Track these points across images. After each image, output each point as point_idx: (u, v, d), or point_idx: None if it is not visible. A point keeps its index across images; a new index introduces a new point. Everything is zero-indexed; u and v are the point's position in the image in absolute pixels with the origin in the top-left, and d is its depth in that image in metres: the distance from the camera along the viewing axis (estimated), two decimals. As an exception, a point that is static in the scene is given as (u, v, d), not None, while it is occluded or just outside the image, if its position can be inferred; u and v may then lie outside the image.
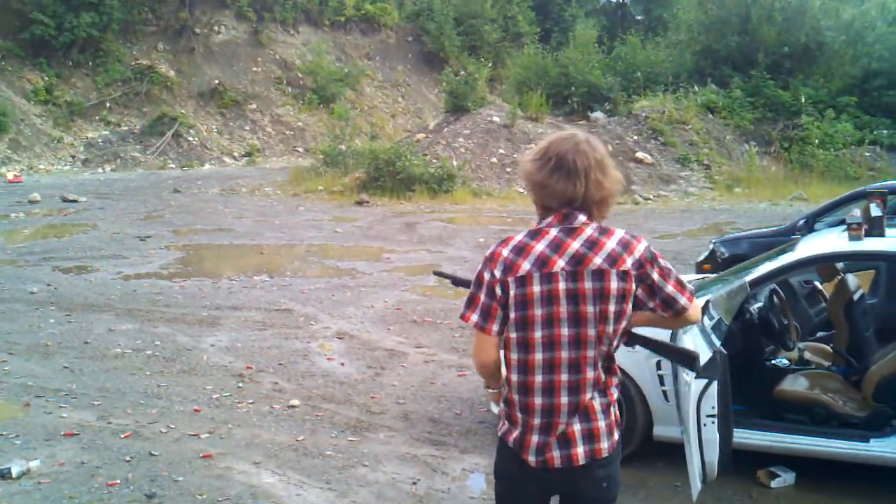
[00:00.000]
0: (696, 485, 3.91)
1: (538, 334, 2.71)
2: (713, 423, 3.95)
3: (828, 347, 6.20)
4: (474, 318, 2.78)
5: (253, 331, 8.64)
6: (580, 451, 2.75)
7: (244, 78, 35.99)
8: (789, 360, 5.97)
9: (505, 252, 2.75)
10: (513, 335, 2.74)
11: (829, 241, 5.63)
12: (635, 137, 24.08)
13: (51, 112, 30.26)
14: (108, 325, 8.76)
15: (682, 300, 2.77)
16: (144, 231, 15.58)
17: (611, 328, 2.71)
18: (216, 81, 34.66)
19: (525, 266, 2.69)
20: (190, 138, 31.51)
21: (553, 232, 2.73)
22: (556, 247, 2.70)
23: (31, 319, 8.94)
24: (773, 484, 5.03)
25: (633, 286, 2.70)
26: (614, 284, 2.67)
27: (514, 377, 2.79)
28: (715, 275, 6.89)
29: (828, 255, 5.52)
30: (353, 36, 41.74)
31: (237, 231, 15.95)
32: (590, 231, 2.72)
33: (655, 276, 2.73)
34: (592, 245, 2.69)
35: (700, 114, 25.17)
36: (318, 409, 6.41)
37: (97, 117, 31.37)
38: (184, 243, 14.56)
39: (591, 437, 2.76)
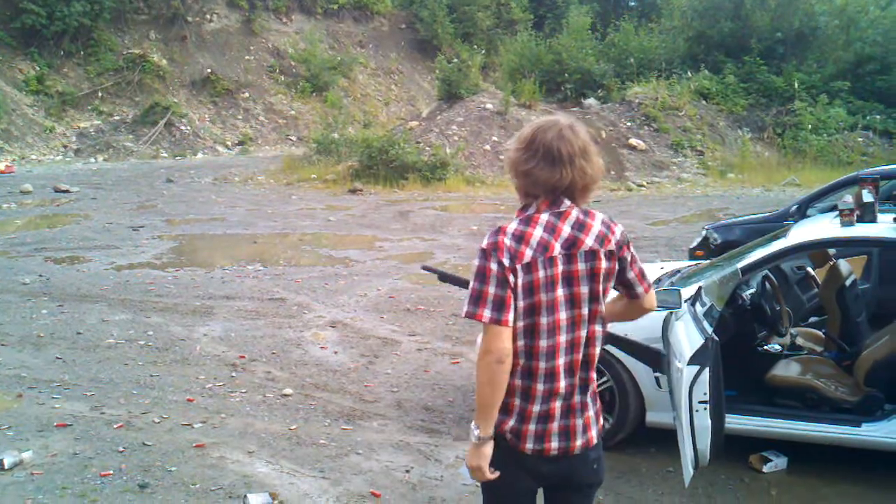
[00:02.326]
0: (688, 470, 3.92)
1: (544, 320, 2.72)
2: (705, 409, 3.96)
3: (820, 333, 6.21)
4: (487, 313, 2.66)
5: (246, 320, 8.63)
6: (578, 443, 2.80)
7: (237, 66, 35.87)
8: (781, 345, 5.97)
9: (508, 242, 2.71)
10: (520, 323, 2.72)
11: (821, 227, 5.62)
12: (628, 124, 24.08)
13: (42, 102, 30.15)
14: (101, 315, 8.75)
15: (640, 288, 2.93)
16: (137, 221, 15.55)
17: (602, 307, 2.79)
18: (208, 70, 34.54)
19: (528, 253, 2.69)
20: (182, 127, 31.41)
21: (545, 217, 2.75)
22: (552, 231, 2.73)
23: (24, 310, 8.91)
24: (766, 469, 5.05)
25: (616, 266, 2.80)
26: (603, 264, 2.75)
27: (521, 361, 2.76)
28: (707, 261, 6.89)
29: (820, 241, 5.51)
30: (346, 24, 41.61)
31: (230, 220, 15.92)
32: (575, 213, 2.77)
33: (628, 258, 2.84)
34: (581, 227, 2.74)
35: (693, 100, 25.19)
36: (311, 397, 6.41)
37: (89, 107, 31.27)
38: (177, 233, 14.52)
39: (584, 428, 2.81)
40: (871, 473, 4.97)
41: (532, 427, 2.77)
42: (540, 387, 2.75)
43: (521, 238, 2.71)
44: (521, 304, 2.70)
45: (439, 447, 5.50)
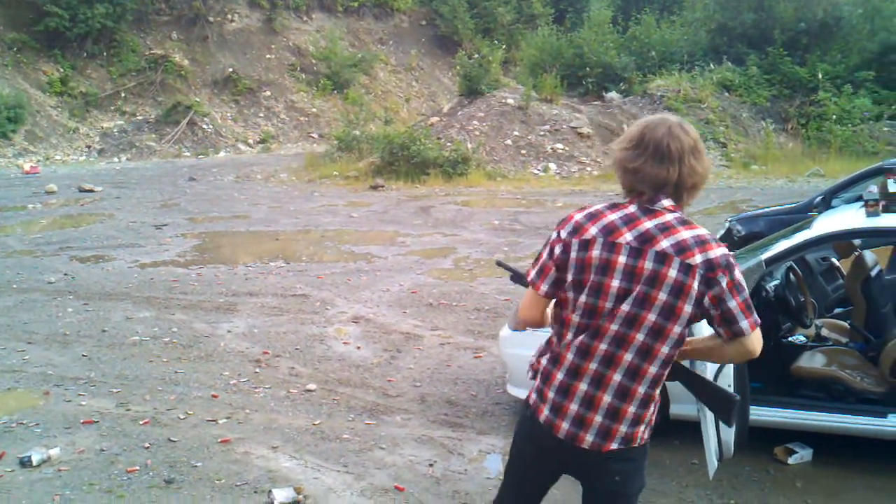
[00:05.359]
0: (712, 462, 3.90)
1: (583, 299, 2.69)
2: (729, 400, 3.93)
3: (845, 324, 6.16)
4: (533, 272, 2.83)
5: (269, 316, 8.67)
6: (589, 437, 2.73)
7: (258, 65, 35.99)
8: (806, 337, 5.95)
9: (578, 216, 2.76)
10: (569, 295, 2.74)
11: (846, 217, 5.58)
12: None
13: (66, 103, 30.39)
14: (126, 313, 8.81)
15: (744, 322, 2.65)
16: (160, 219, 15.66)
17: (654, 317, 2.63)
18: (230, 69, 34.69)
19: (592, 230, 2.69)
20: (205, 126, 31.57)
21: (631, 208, 2.71)
22: (628, 220, 2.68)
23: (50, 309, 9.00)
24: (791, 460, 5.02)
25: (697, 286, 2.60)
26: (673, 273, 2.60)
27: (555, 328, 2.82)
28: (732, 252, 6.84)
29: (845, 231, 5.47)
30: (367, 21, 41.66)
31: (253, 218, 15.99)
32: (668, 217, 2.67)
33: (724, 284, 2.62)
34: (665, 229, 2.65)
35: (716, 92, 25.02)
36: (334, 392, 6.43)
37: (112, 107, 31.49)
38: (200, 231, 14.60)
39: (604, 432, 2.72)
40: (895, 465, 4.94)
41: (552, 395, 2.77)
42: (570, 356, 2.73)
43: (592, 216, 2.73)
44: (570, 276, 2.71)
45: (462, 441, 5.51)
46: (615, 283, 2.65)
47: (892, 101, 24.22)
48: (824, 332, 6.03)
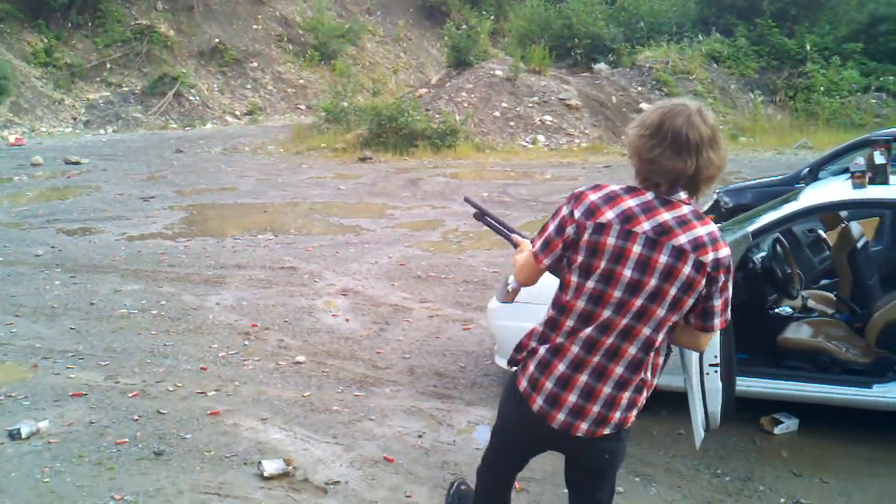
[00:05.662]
0: (699, 432, 3.94)
1: (590, 285, 2.66)
2: (716, 372, 3.98)
3: (831, 295, 6.21)
4: (538, 244, 2.80)
5: (258, 289, 8.66)
6: (584, 426, 2.76)
7: (244, 36, 35.65)
8: (793, 308, 5.98)
9: (593, 196, 2.70)
10: (573, 279, 2.70)
11: (832, 189, 5.60)
12: (639, 88, 23.91)
13: (51, 74, 30.06)
14: (114, 285, 8.79)
15: (717, 320, 2.73)
16: (148, 192, 15.56)
17: (662, 312, 2.66)
18: (216, 40, 34.34)
19: (608, 215, 2.64)
20: (191, 98, 31.31)
21: (648, 196, 2.67)
22: (647, 209, 2.64)
23: (37, 282, 8.97)
24: (777, 430, 5.07)
25: (703, 283, 2.63)
26: (687, 269, 2.61)
27: (553, 313, 2.78)
28: (719, 225, 6.86)
29: (832, 203, 5.48)
30: (354, -9, 41.32)
31: (240, 190, 15.93)
32: (685, 210, 2.66)
33: (720, 284, 2.67)
34: (682, 223, 2.63)
35: (704, 63, 24.98)
36: (323, 365, 6.44)
37: (98, 79, 31.17)
38: (187, 203, 14.53)
39: (600, 420, 2.75)
40: (881, 434, 4.98)
41: (549, 385, 2.76)
42: (575, 349, 2.72)
43: (609, 199, 2.68)
44: (580, 258, 2.67)
45: (451, 412, 5.54)
46: (627, 273, 2.63)
47: (879, 73, 24.27)
48: (811, 303, 6.07)
